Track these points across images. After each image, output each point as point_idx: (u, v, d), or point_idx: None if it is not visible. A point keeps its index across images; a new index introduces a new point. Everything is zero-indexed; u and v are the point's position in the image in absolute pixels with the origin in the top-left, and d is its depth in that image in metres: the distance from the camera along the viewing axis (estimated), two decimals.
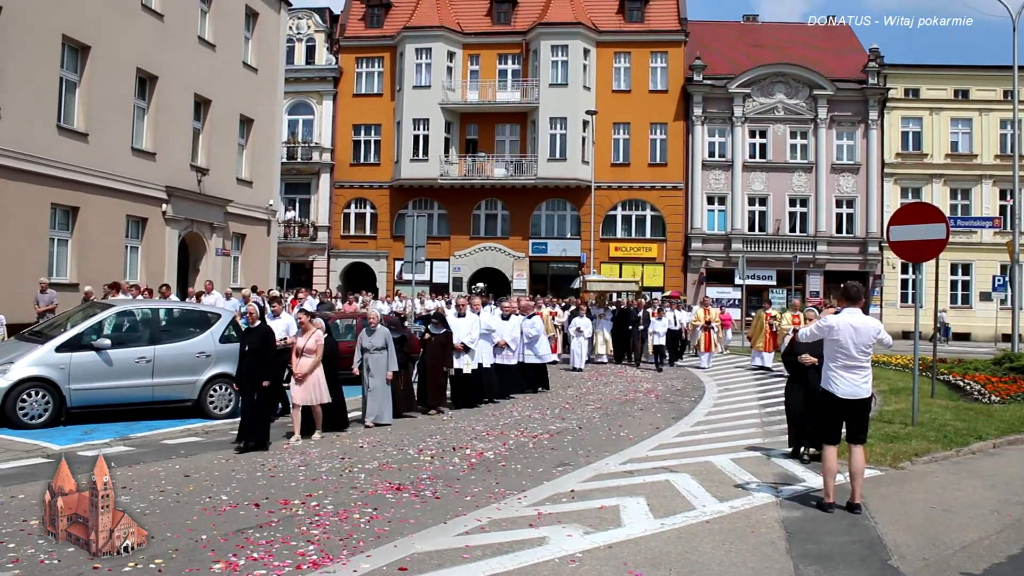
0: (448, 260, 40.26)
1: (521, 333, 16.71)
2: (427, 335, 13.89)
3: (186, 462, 9.37)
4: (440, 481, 8.56)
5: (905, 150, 39.91)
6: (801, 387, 9.59)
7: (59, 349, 11.34)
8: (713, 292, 37.33)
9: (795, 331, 10.14)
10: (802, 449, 9.89)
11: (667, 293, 31.02)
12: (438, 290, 35.13)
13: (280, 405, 12.32)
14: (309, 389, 10.86)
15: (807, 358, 9.15)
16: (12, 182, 17.95)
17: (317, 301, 25.23)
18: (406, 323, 16.21)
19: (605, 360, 23.48)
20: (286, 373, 11.73)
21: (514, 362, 16.07)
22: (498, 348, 15.33)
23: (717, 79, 39.73)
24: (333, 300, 26.96)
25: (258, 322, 10.67)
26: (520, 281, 39.50)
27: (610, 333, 23.80)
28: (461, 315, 14.63)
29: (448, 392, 14.36)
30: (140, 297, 16.84)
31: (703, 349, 22.97)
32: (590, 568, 5.94)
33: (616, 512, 7.43)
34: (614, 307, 25.25)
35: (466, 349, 14.16)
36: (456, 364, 14.10)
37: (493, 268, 40.33)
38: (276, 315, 13.24)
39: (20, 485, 8.00)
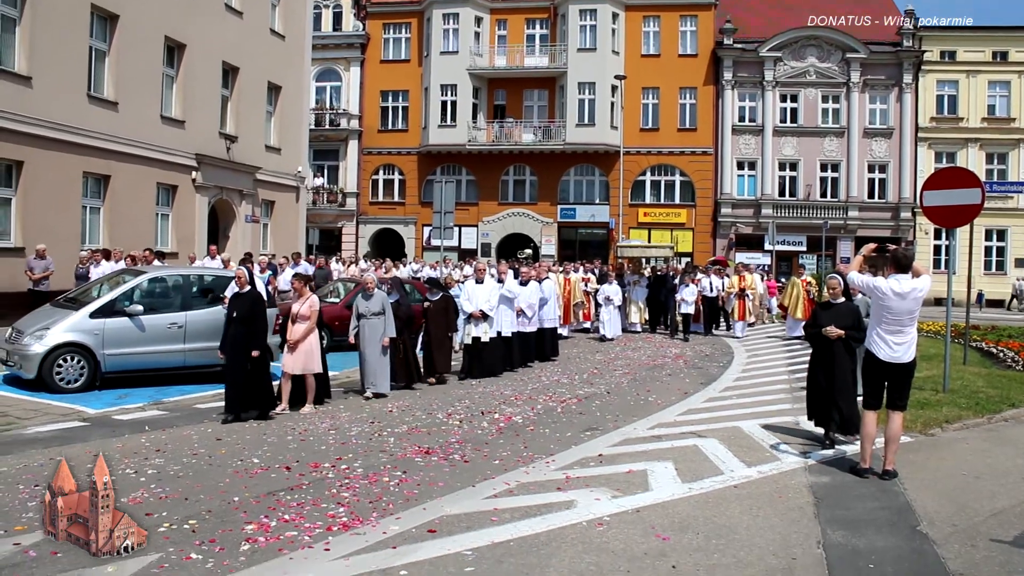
0: (476, 226, 40.25)
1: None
2: (426, 303, 13.71)
3: (218, 426, 9.49)
4: (469, 445, 8.62)
5: (940, 114, 39.10)
6: (828, 359, 8.76)
7: (93, 315, 11.52)
8: (742, 258, 36.89)
9: (821, 304, 9.50)
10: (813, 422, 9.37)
11: (713, 258, 30.37)
12: (465, 256, 34.90)
13: None
14: (301, 357, 10.48)
15: (832, 330, 8.53)
16: (44, 151, 18.17)
17: (313, 267, 24.76)
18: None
19: (639, 329, 22.71)
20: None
21: (532, 329, 15.58)
22: (516, 315, 14.88)
23: (748, 43, 39.11)
24: (328, 266, 25.58)
25: (248, 287, 10.25)
26: (549, 247, 39.43)
27: (644, 301, 23.02)
28: (480, 281, 14.18)
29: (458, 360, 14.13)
30: (122, 263, 16.82)
31: (736, 317, 22.41)
32: (618, 531, 5.98)
33: (644, 476, 7.46)
34: (648, 273, 24.56)
35: (484, 316, 13.85)
36: (475, 332, 13.80)
37: (521, 234, 40.29)
38: None
39: (58, 447, 8.16)
